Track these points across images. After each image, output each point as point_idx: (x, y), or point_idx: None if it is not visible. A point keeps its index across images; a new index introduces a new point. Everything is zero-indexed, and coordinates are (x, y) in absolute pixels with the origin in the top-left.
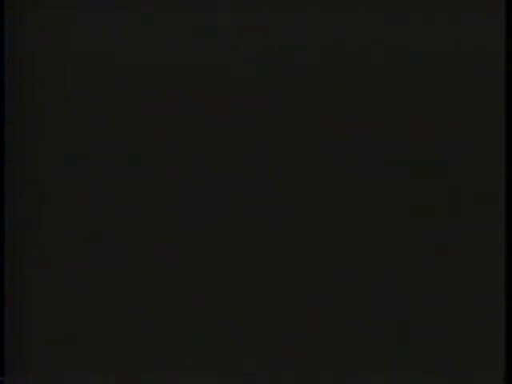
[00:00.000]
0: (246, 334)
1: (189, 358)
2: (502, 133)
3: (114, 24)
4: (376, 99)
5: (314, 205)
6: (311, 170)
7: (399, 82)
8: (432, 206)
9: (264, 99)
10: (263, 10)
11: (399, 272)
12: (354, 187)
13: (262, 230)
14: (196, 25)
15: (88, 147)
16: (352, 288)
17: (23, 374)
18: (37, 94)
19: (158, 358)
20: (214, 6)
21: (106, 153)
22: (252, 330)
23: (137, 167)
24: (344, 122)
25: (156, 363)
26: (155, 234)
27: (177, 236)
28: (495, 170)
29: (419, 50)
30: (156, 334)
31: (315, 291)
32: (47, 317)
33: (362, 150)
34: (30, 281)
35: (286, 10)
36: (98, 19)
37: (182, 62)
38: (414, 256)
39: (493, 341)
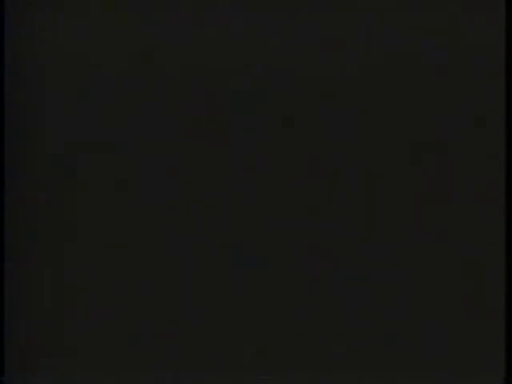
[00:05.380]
0: (245, 333)
1: (188, 358)
2: (502, 133)
3: (114, 24)
4: (374, 99)
5: (313, 205)
6: (311, 171)
7: (399, 82)
8: (432, 206)
9: (264, 102)
10: (264, 12)
11: (399, 271)
12: (354, 187)
13: (262, 229)
14: (196, 25)
15: (88, 147)
16: (351, 287)
17: (23, 374)
18: (37, 93)
19: (157, 357)
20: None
21: (105, 152)
22: (251, 330)
23: (137, 167)
24: (344, 123)
25: (155, 363)
26: (158, 232)
27: (177, 237)
28: (495, 170)
29: (418, 50)
30: (156, 333)
31: (315, 291)
32: (47, 317)
33: (361, 150)
34: (30, 281)
35: (287, 11)
36: (98, 19)
37: (183, 63)
38: (414, 256)
39: (493, 341)
